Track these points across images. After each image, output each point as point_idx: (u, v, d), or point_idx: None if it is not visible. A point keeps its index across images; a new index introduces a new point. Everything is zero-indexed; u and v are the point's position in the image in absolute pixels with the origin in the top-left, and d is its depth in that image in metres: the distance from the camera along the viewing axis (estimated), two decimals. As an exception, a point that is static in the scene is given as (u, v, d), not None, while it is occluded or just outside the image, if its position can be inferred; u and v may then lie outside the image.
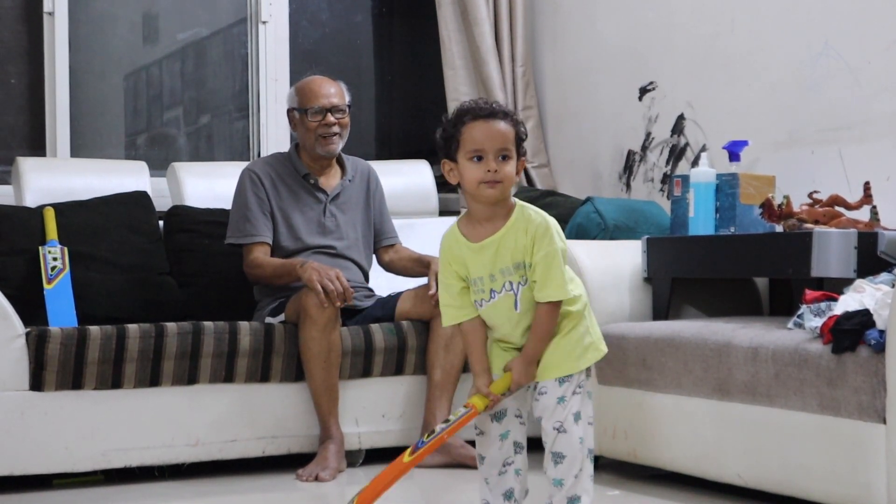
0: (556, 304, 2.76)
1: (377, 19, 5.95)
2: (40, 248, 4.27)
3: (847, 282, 3.39)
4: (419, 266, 4.43)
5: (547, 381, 2.78)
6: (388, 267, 4.58)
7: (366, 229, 4.52)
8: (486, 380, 2.81)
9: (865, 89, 4.11)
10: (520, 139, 2.78)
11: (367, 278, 4.52)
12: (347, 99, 4.43)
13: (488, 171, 2.71)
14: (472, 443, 4.13)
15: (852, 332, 3.05)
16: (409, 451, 2.81)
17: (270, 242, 4.34)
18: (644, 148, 5.13)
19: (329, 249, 4.38)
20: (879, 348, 2.99)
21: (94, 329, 3.88)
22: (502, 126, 2.74)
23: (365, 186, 4.55)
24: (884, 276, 3.35)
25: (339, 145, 4.41)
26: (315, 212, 4.41)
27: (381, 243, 4.57)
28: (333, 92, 4.39)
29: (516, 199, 2.81)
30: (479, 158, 2.72)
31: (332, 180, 4.48)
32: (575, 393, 2.78)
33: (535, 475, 2.93)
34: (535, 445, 2.95)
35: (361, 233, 4.50)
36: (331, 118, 4.35)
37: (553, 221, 2.78)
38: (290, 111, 4.45)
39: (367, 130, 5.98)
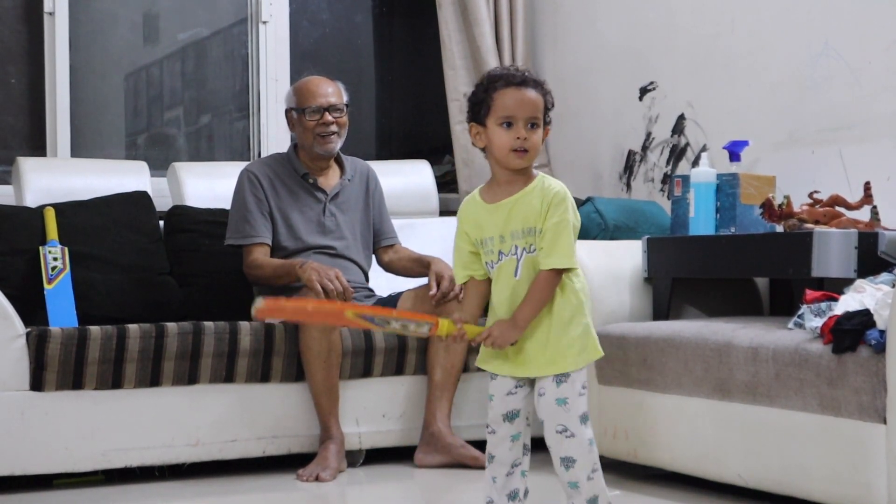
0: (557, 274, 2.74)
1: (377, 19, 5.95)
2: (41, 248, 4.27)
3: (847, 282, 3.39)
4: (419, 266, 4.43)
5: (544, 381, 2.77)
6: (388, 267, 4.58)
7: (365, 229, 4.53)
8: (467, 318, 2.81)
9: (865, 89, 4.11)
10: (547, 109, 2.81)
11: (367, 278, 4.53)
12: (345, 98, 4.44)
13: (518, 138, 2.74)
14: (473, 443, 4.15)
15: (853, 332, 3.05)
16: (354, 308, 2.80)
17: (270, 243, 4.35)
18: (644, 148, 5.13)
19: (329, 249, 4.39)
20: (880, 348, 2.99)
21: (94, 329, 3.88)
22: (533, 94, 2.77)
23: (364, 186, 4.55)
24: (884, 276, 3.35)
25: (337, 144, 4.42)
26: (314, 211, 4.42)
27: (380, 243, 4.58)
28: (331, 91, 4.40)
29: (538, 171, 2.83)
30: (509, 125, 2.75)
31: (331, 180, 4.49)
32: (580, 395, 2.77)
33: (537, 476, 2.93)
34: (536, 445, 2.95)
35: (360, 233, 4.50)
36: (328, 117, 4.36)
37: (570, 196, 2.80)
38: (287, 111, 4.46)
39: (368, 130, 5.98)
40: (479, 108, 2.80)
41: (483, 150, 2.83)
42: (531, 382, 2.82)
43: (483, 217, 2.81)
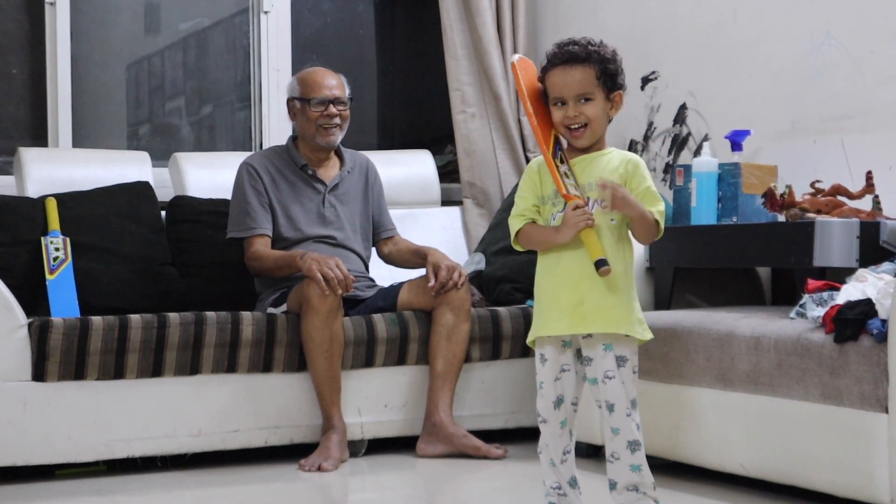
0: (654, 225, 2.80)
1: (379, 9, 5.94)
2: (42, 238, 4.27)
3: (849, 271, 3.39)
4: (417, 258, 4.44)
5: (611, 364, 2.80)
6: (388, 259, 4.60)
7: (364, 221, 4.53)
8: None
9: (868, 79, 4.11)
10: (608, 75, 2.84)
11: (367, 268, 4.53)
12: (348, 92, 4.46)
13: (567, 116, 2.81)
14: (475, 433, 4.15)
15: (854, 322, 3.06)
16: None
17: (270, 234, 4.35)
18: (646, 138, 5.12)
19: (329, 239, 4.39)
20: (881, 338, 2.99)
21: (96, 319, 3.88)
22: (579, 71, 2.81)
23: (363, 179, 4.56)
24: (886, 265, 3.35)
25: (338, 136, 4.43)
26: (314, 203, 4.42)
27: (379, 236, 4.59)
28: (335, 84, 4.42)
29: (612, 147, 2.91)
30: (563, 103, 2.82)
31: (330, 171, 4.50)
32: (633, 380, 2.82)
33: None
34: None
35: (360, 224, 4.51)
36: (333, 109, 4.38)
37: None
38: (290, 100, 4.47)
39: (369, 120, 5.98)
40: (543, 90, 2.87)
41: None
42: (576, 362, 2.82)
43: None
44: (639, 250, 4.14)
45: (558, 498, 2.88)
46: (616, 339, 2.80)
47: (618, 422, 2.83)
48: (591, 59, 2.83)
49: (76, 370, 3.83)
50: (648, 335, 2.86)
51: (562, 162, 2.84)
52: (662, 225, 2.82)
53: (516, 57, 2.89)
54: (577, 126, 2.82)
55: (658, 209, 2.81)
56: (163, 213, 4.67)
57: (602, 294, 2.78)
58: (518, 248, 2.91)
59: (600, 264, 2.74)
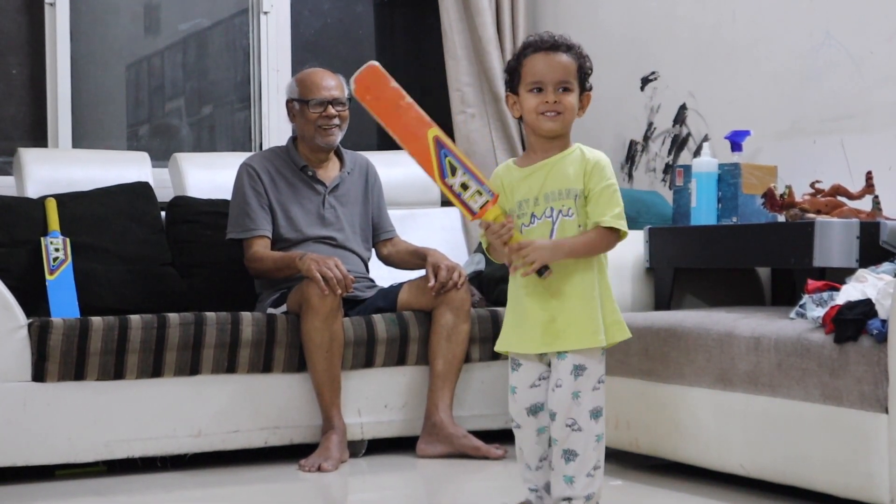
0: (613, 235, 2.73)
1: (378, 9, 5.94)
2: (42, 238, 4.27)
3: (849, 271, 3.39)
4: (416, 258, 4.44)
5: (563, 373, 2.75)
6: (387, 260, 4.59)
7: (364, 222, 4.53)
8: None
9: (867, 79, 4.11)
10: (584, 73, 2.80)
11: (367, 269, 4.53)
12: (346, 92, 4.46)
13: (546, 101, 2.74)
14: (475, 433, 4.15)
15: (854, 322, 3.05)
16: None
17: (270, 236, 4.35)
18: (646, 138, 5.12)
19: (329, 240, 4.39)
20: (881, 338, 2.99)
21: (96, 320, 3.88)
22: (563, 59, 2.78)
23: (363, 180, 4.56)
24: (886, 265, 3.35)
25: (338, 137, 4.44)
26: (314, 203, 4.42)
27: (379, 237, 4.59)
28: (334, 85, 4.42)
29: (577, 143, 2.83)
30: (539, 90, 2.76)
31: (330, 172, 4.50)
32: (595, 389, 2.76)
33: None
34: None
35: (360, 226, 4.51)
36: (332, 110, 4.38)
37: (610, 163, 2.81)
38: (289, 102, 4.47)
39: (369, 121, 5.95)
40: (512, 78, 2.81)
41: (520, 119, 2.84)
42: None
43: (517, 182, 2.81)
44: (638, 250, 4.15)
45: (536, 500, 2.87)
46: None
47: (557, 432, 2.78)
48: (573, 52, 2.80)
49: (76, 371, 3.83)
50: (622, 336, 2.83)
51: (453, 173, 2.80)
52: (622, 228, 2.75)
53: (353, 79, 2.81)
54: (552, 113, 2.76)
55: (612, 214, 2.74)
56: (163, 213, 4.67)
57: (572, 309, 2.74)
58: (498, 262, 2.88)
59: (541, 272, 2.72)
